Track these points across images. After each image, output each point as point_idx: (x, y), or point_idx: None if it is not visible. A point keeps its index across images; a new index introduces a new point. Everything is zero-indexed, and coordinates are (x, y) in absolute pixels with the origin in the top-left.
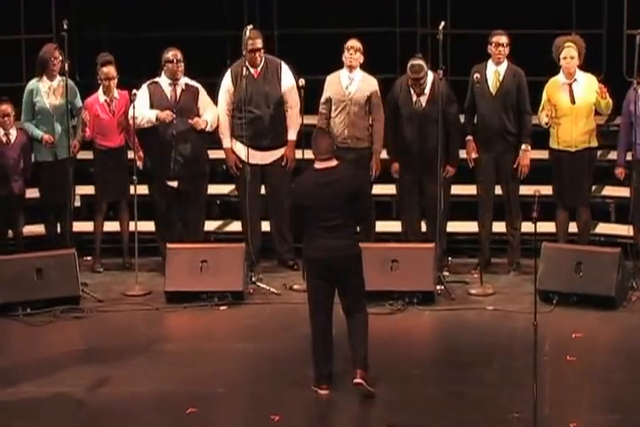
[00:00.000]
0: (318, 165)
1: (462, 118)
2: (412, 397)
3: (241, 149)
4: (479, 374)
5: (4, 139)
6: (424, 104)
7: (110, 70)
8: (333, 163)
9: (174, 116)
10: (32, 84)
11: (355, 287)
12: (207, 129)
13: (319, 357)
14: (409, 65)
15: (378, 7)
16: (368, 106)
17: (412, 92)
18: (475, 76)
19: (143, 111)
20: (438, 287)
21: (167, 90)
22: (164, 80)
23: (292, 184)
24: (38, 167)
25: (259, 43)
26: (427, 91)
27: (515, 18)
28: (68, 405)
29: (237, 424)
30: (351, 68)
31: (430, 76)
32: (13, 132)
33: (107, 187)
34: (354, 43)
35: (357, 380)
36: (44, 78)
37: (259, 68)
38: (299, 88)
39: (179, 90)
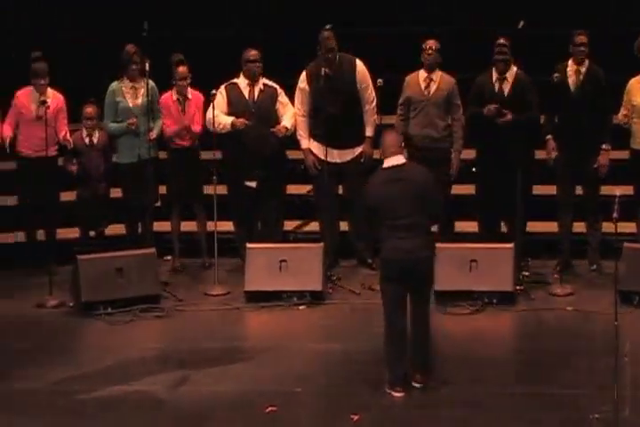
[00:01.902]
0: (386, 164)
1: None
2: (491, 397)
3: (318, 149)
4: (559, 375)
5: (88, 140)
6: (506, 91)
7: (184, 70)
8: (401, 160)
9: (248, 123)
10: (114, 85)
11: (424, 289)
12: (288, 133)
13: (393, 358)
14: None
15: (453, 6)
16: (447, 106)
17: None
18: (555, 76)
19: (220, 118)
20: (517, 287)
21: (245, 91)
22: (242, 81)
23: (365, 185)
24: (122, 169)
25: (333, 42)
26: (510, 79)
27: (596, 17)
28: (148, 403)
29: (317, 424)
30: (430, 68)
31: (514, 68)
32: (97, 134)
33: (179, 186)
34: (432, 43)
35: (416, 384)
36: (125, 79)
37: (334, 67)
38: (376, 88)
39: (257, 90)
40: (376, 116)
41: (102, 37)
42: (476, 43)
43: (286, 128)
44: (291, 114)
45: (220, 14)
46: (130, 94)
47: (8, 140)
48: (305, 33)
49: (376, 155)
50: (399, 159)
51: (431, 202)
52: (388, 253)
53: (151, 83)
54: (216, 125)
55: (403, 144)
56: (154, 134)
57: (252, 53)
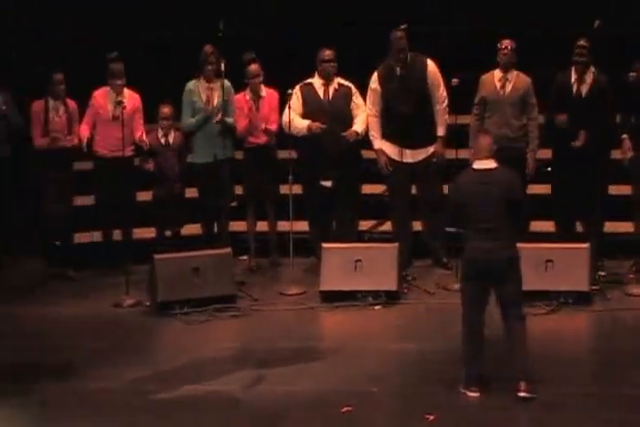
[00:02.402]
0: (477, 166)
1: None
2: (567, 397)
3: (391, 149)
4: (635, 375)
5: (163, 140)
6: (584, 93)
7: (255, 68)
8: (492, 164)
9: (324, 127)
10: (190, 84)
11: (510, 293)
12: (359, 138)
13: (469, 358)
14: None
15: (531, 6)
16: (522, 106)
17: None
18: (630, 75)
19: (295, 122)
20: (593, 287)
21: (320, 90)
22: (317, 80)
23: (451, 183)
24: (197, 169)
25: (405, 43)
26: (588, 81)
27: None
28: (224, 403)
29: (392, 423)
30: (505, 67)
31: (592, 69)
32: (172, 134)
33: (254, 186)
34: (508, 42)
35: (522, 394)
36: (202, 79)
37: (405, 67)
38: (450, 87)
39: (331, 90)
40: (447, 116)
41: (177, 37)
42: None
43: (357, 133)
44: (363, 117)
45: (293, 14)
46: (206, 95)
47: (85, 141)
48: (377, 33)
49: (448, 154)
50: (490, 163)
51: (516, 212)
52: (469, 252)
53: (227, 83)
54: (292, 129)
55: (495, 148)
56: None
57: (327, 53)
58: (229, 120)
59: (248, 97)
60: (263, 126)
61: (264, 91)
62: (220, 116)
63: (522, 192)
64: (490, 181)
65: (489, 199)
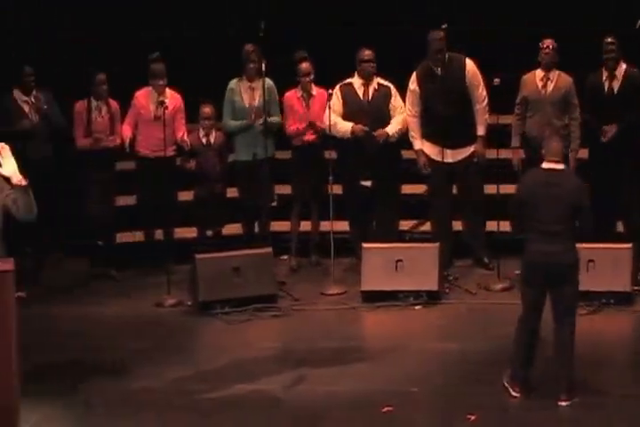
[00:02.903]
0: (545, 165)
1: None
2: (608, 398)
3: (431, 149)
4: None
5: (205, 140)
6: (616, 89)
7: (307, 66)
8: (560, 166)
9: (367, 130)
10: (232, 83)
11: (566, 298)
12: (391, 140)
13: (518, 360)
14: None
15: (572, 6)
16: (564, 105)
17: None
18: None
19: (338, 126)
20: (635, 288)
21: (360, 90)
22: (356, 80)
23: (518, 182)
24: (237, 167)
25: (443, 43)
26: (619, 76)
27: None
28: (265, 403)
29: (433, 423)
30: (547, 67)
31: (623, 65)
32: (214, 134)
33: (303, 185)
34: (549, 42)
35: (562, 403)
36: (244, 78)
37: (443, 67)
38: (490, 86)
39: (371, 90)
40: (488, 115)
41: (220, 36)
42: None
43: (387, 134)
44: (398, 119)
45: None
46: (247, 94)
47: (128, 141)
48: (416, 34)
49: (489, 154)
50: (559, 165)
51: (582, 213)
52: (529, 255)
53: (270, 82)
54: (335, 133)
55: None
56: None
57: (366, 53)
58: (274, 120)
59: (299, 95)
60: (313, 122)
61: (315, 90)
62: (260, 123)
63: (587, 201)
64: (558, 182)
65: (555, 201)
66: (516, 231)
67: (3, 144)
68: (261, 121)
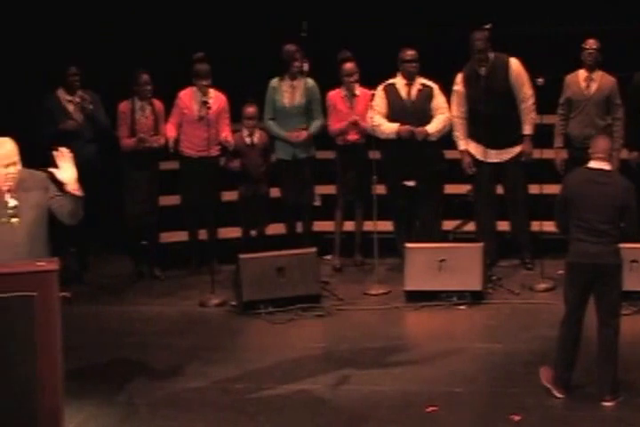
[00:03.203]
0: (592, 164)
1: None
2: None
3: (476, 149)
4: None
5: (248, 140)
6: None
7: (351, 66)
8: (607, 166)
9: (413, 129)
10: (274, 82)
11: (610, 298)
12: (430, 138)
13: (563, 361)
14: None
15: (615, 5)
16: (607, 105)
17: None
18: None
19: (383, 127)
20: None
21: (403, 91)
22: (399, 81)
23: (563, 181)
24: (279, 166)
25: (484, 43)
26: None
27: None
28: (309, 402)
29: (477, 424)
30: (590, 67)
31: None
32: (257, 134)
33: (346, 185)
34: (592, 42)
35: (606, 404)
36: (286, 77)
37: (487, 68)
38: (536, 87)
39: (414, 90)
40: (534, 114)
41: (263, 36)
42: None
43: (427, 133)
44: (440, 118)
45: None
46: (288, 93)
47: (172, 141)
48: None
49: (536, 153)
50: (607, 165)
51: (628, 215)
52: (574, 256)
53: (311, 82)
54: (379, 134)
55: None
56: (303, 135)
57: (409, 53)
58: (314, 130)
59: (342, 94)
60: (356, 120)
61: (358, 90)
62: (301, 137)
63: (634, 202)
64: (606, 182)
65: (602, 201)
66: (562, 231)
67: (66, 150)
68: (301, 139)
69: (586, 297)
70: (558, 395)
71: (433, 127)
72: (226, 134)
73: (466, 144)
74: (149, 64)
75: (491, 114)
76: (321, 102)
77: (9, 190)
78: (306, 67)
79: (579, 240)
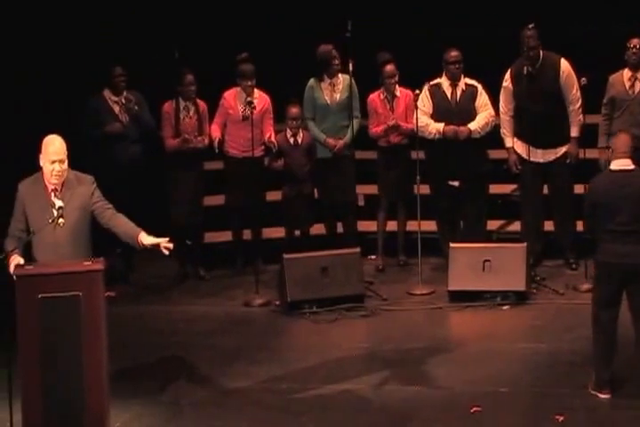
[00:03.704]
0: (614, 166)
1: None
2: None
3: (522, 148)
4: None
5: (292, 140)
6: None
7: (392, 68)
8: (630, 165)
9: (456, 128)
10: (312, 81)
11: None
12: (474, 136)
13: (599, 361)
14: None
15: None
16: None
17: None
18: None
19: (431, 126)
20: None
21: (447, 91)
22: (444, 81)
23: (590, 183)
24: (319, 164)
25: (534, 41)
26: None
27: None
28: (354, 402)
29: (521, 424)
30: (634, 66)
31: None
32: (301, 134)
33: (388, 185)
34: (637, 41)
35: None
36: (325, 77)
37: (536, 66)
38: (580, 87)
39: (458, 91)
40: (581, 117)
41: (306, 37)
42: None
43: (470, 131)
44: (483, 115)
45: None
46: (327, 90)
47: (217, 141)
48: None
49: (580, 153)
50: (627, 163)
51: None
52: (603, 255)
53: (349, 78)
54: (427, 134)
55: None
56: (341, 144)
57: (452, 55)
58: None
59: (382, 96)
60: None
61: (398, 91)
62: (339, 146)
63: None
64: (628, 183)
65: (628, 201)
66: (590, 234)
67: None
68: (338, 147)
69: (616, 295)
70: (604, 396)
71: (475, 124)
72: (270, 135)
73: (512, 142)
74: (194, 64)
75: (537, 113)
76: (358, 98)
77: (54, 190)
78: (350, 66)
79: (608, 241)
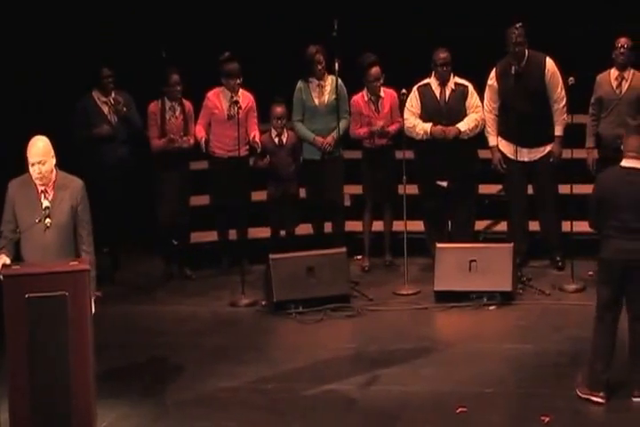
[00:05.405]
0: (625, 163)
1: None
2: None
3: (507, 147)
4: None
5: (277, 140)
6: None
7: (377, 71)
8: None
9: (444, 128)
10: (301, 83)
11: None
12: (462, 137)
13: (597, 362)
14: None
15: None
16: (638, 105)
17: None
18: None
19: (418, 127)
20: None
21: (437, 91)
22: (433, 81)
23: (596, 180)
24: (307, 166)
25: (519, 38)
26: None
27: None
28: (340, 402)
29: (507, 424)
30: (621, 66)
31: None
32: (286, 134)
33: (373, 186)
34: (624, 41)
35: (636, 399)
36: (312, 78)
37: (522, 64)
38: (567, 86)
39: (448, 91)
40: (566, 116)
41: (291, 38)
42: None
43: (458, 130)
44: (472, 116)
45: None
46: (317, 92)
47: (203, 141)
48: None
49: (567, 153)
50: (638, 164)
51: None
52: (608, 253)
53: (340, 82)
54: (415, 135)
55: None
56: (330, 140)
57: (441, 57)
58: (341, 129)
59: (366, 98)
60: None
61: (382, 91)
62: (327, 141)
63: None
64: (636, 180)
65: (635, 199)
66: (596, 230)
67: None
68: (327, 142)
69: (620, 294)
70: (599, 400)
71: (464, 125)
72: (254, 134)
73: (496, 140)
74: (180, 64)
75: (523, 111)
76: (347, 100)
77: (44, 191)
78: (337, 66)
79: (613, 238)
